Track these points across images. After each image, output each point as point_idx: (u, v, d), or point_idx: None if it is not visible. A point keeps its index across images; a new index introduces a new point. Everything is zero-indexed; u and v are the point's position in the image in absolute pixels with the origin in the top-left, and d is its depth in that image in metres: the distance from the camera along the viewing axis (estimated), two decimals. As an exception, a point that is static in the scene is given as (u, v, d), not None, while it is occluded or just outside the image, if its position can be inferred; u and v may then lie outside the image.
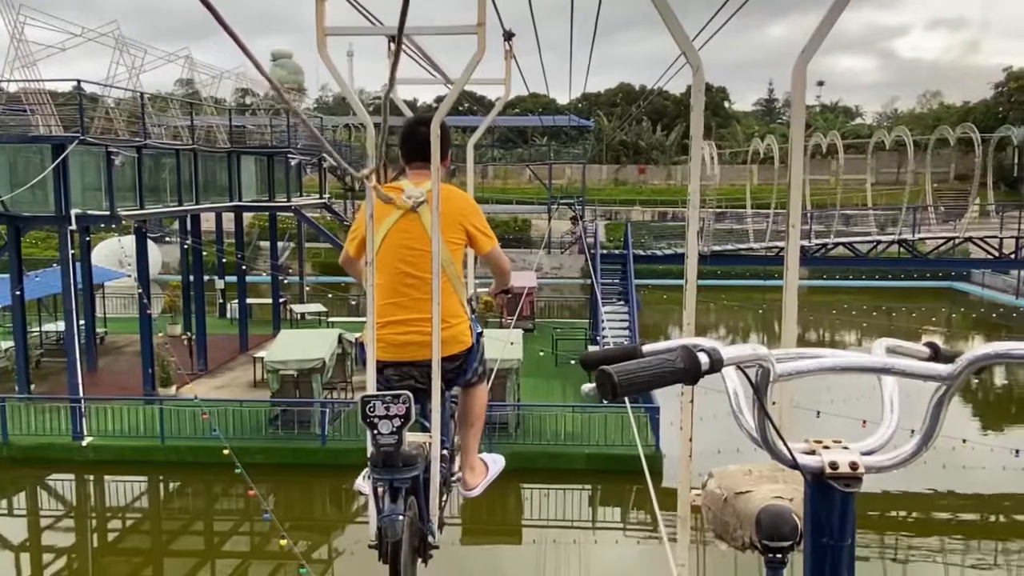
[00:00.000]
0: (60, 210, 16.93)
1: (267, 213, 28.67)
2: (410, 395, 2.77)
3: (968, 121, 41.25)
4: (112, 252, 29.64)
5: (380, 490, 2.83)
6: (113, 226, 21.56)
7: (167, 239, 37.79)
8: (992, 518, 15.79)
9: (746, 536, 1.66)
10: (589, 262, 26.59)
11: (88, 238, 24.04)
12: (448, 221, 3.29)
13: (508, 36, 4.25)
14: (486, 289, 4.25)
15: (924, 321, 32.49)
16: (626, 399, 10.79)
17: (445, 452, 3.32)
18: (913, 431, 1.25)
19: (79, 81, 17.40)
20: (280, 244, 31.30)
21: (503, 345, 14.59)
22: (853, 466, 1.20)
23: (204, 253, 24.53)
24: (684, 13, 2.21)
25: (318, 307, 29.14)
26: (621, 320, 23.58)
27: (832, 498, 1.21)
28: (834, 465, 1.20)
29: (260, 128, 29.44)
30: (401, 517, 2.76)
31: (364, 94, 60.19)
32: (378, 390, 2.96)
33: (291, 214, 27.51)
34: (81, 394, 17.21)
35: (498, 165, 52.65)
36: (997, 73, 60.48)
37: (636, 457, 11.20)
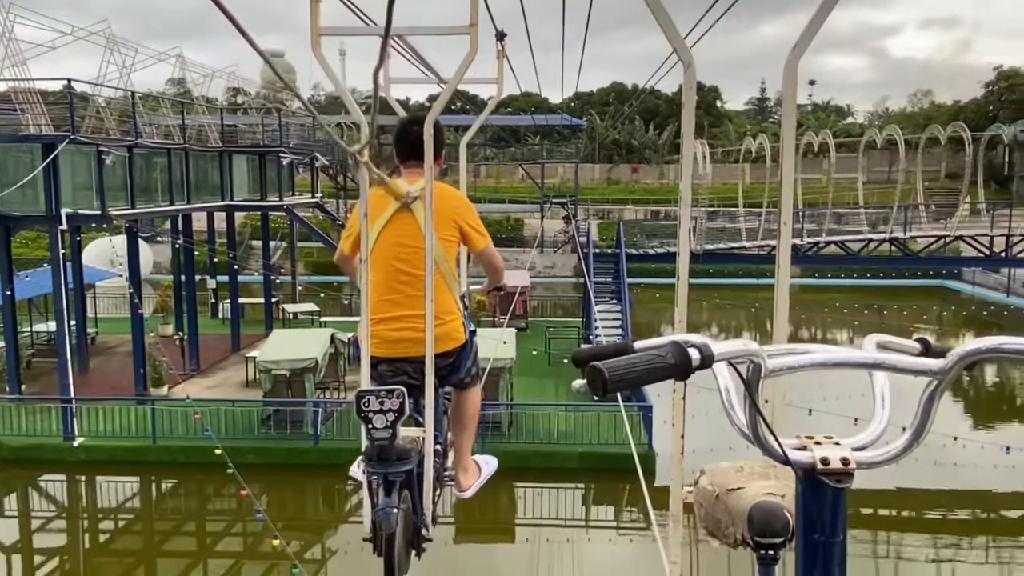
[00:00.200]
0: (50, 210, 16.85)
1: (259, 212, 28.60)
2: (404, 390, 2.81)
3: (959, 120, 41.41)
4: (103, 252, 29.50)
5: (374, 484, 2.87)
6: (104, 226, 21.43)
7: (158, 239, 37.63)
8: (983, 515, 15.87)
9: (738, 533, 1.66)
10: (582, 261, 26.60)
11: (79, 238, 23.92)
12: (442, 219, 3.32)
13: (500, 36, 4.30)
14: (479, 287, 4.28)
15: (915, 319, 32.61)
16: (619, 397, 10.80)
17: (438, 447, 3.36)
18: (904, 428, 1.25)
19: (69, 80, 17.33)
20: (272, 243, 31.23)
21: (496, 344, 14.59)
22: (844, 462, 1.20)
23: (196, 253, 24.46)
24: (676, 12, 2.21)
25: (311, 307, 29.07)
26: (614, 319, 23.61)
27: (824, 494, 1.21)
28: (825, 461, 1.20)
29: (252, 127, 29.38)
30: (395, 510, 2.80)
31: (356, 93, 59.99)
32: (372, 386, 3.01)
33: (283, 213, 27.45)
34: (72, 394, 17.15)
35: (491, 164, 52.63)
36: (988, 72, 60.75)
37: (629, 455, 11.23)
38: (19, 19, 20.65)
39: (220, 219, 26.67)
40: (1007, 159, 52.01)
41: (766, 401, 1.74)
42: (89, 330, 24.09)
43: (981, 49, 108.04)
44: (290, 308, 28.68)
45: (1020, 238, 26.92)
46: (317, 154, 29.45)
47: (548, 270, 40.63)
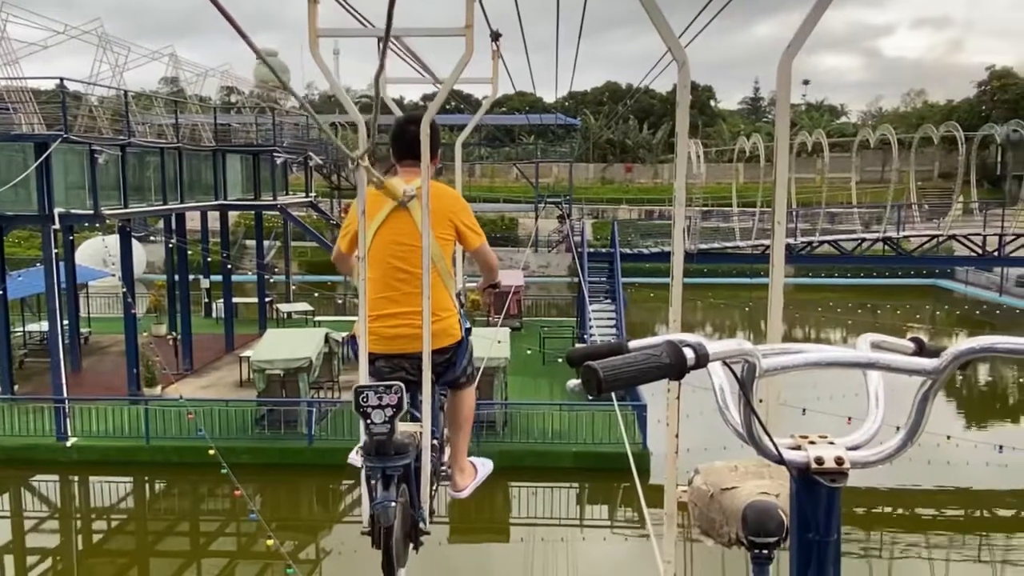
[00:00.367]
0: (43, 209, 16.78)
1: (253, 212, 28.54)
2: (402, 385, 2.85)
3: (952, 120, 41.57)
4: (96, 251, 29.45)
5: (373, 478, 2.91)
6: (97, 225, 21.41)
7: (152, 238, 37.53)
8: (976, 513, 15.92)
9: (732, 532, 1.67)
10: (576, 260, 26.63)
11: (72, 237, 23.88)
12: (438, 217, 3.37)
13: (495, 37, 4.35)
14: (474, 284, 4.32)
15: (908, 318, 32.71)
16: (613, 397, 10.80)
17: (435, 442, 3.39)
18: (898, 427, 1.25)
19: (62, 79, 17.26)
20: (266, 243, 31.16)
21: (490, 343, 14.59)
22: (839, 461, 1.21)
23: (189, 252, 24.39)
24: (670, 11, 2.22)
25: (304, 306, 29.03)
26: (608, 318, 23.61)
27: (818, 493, 1.21)
28: (820, 460, 1.20)
29: (245, 126, 29.31)
30: (393, 503, 2.84)
31: (350, 92, 59.99)
32: (370, 381, 3.05)
33: (277, 213, 27.39)
34: (65, 394, 17.08)
35: (485, 163, 52.62)
36: (980, 72, 61.03)
37: (623, 455, 11.24)
38: (11, 18, 20.54)
39: (213, 218, 26.58)
40: (1000, 159, 52.23)
41: (760, 400, 1.74)
42: (82, 330, 24.00)
43: (973, 49, 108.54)
44: (284, 308, 28.63)
45: (1013, 237, 26.99)
46: (311, 153, 29.40)
47: (542, 269, 40.64)
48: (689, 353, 1.15)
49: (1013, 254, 27.19)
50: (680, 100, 2.25)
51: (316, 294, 30.61)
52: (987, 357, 1.18)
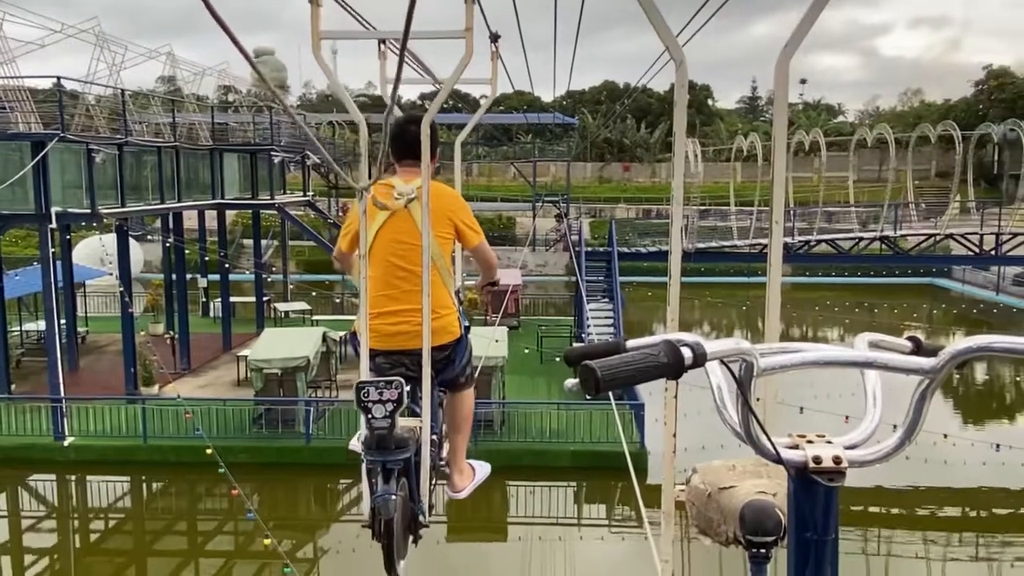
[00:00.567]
0: (40, 208, 16.76)
1: (250, 211, 28.51)
2: (403, 381, 2.92)
3: (949, 119, 41.60)
4: (93, 250, 29.33)
5: (373, 472, 2.96)
6: (94, 224, 21.32)
7: (149, 237, 37.51)
8: (973, 512, 15.96)
9: (730, 531, 1.67)
10: (574, 259, 26.62)
11: (69, 236, 23.85)
12: (437, 216, 3.41)
13: (494, 38, 4.40)
14: (472, 282, 4.36)
15: (906, 317, 32.74)
16: (611, 396, 10.77)
17: (434, 437, 3.44)
18: (896, 426, 1.25)
19: (59, 78, 17.25)
20: (264, 242, 31.13)
21: (488, 342, 14.59)
22: (836, 460, 1.21)
23: (187, 251, 24.35)
24: (668, 10, 2.22)
25: (302, 305, 29.00)
26: (606, 317, 23.63)
27: (816, 492, 1.21)
28: (817, 459, 1.21)
29: (243, 125, 29.23)
30: (394, 497, 2.90)
31: (348, 90, 59.95)
32: (371, 377, 3.10)
33: (274, 212, 27.36)
34: (62, 394, 17.06)
35: (483, 163, 52.59)
36: (978, 71, 61.08)
37: (621, 454, 11.23)
38: (8, 16, 20.50)
39: (211, 217, 26.57)
40: (996, 158, 52.27)
41: (758, 400, 1.75)
42: (79, 329, 23.98)
43: (971, 48, 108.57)
44: (281, 307, 28.61)
45: (1009, 236, 27.05)
46: (308, 152, 29.37)
47: (540, 268, 40.64)
48: (687, 352, 1.15)
49: (1010, 253, 27.25)
50: (678, 99, 2.25)
51: (314, 293, 30.59)
52: (984, 356, 1.18)
